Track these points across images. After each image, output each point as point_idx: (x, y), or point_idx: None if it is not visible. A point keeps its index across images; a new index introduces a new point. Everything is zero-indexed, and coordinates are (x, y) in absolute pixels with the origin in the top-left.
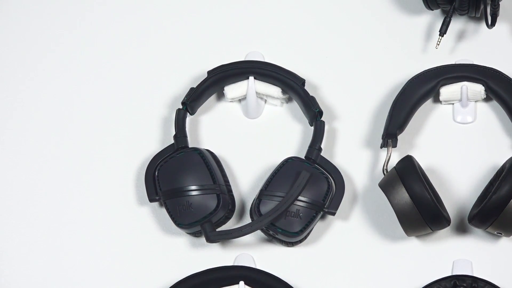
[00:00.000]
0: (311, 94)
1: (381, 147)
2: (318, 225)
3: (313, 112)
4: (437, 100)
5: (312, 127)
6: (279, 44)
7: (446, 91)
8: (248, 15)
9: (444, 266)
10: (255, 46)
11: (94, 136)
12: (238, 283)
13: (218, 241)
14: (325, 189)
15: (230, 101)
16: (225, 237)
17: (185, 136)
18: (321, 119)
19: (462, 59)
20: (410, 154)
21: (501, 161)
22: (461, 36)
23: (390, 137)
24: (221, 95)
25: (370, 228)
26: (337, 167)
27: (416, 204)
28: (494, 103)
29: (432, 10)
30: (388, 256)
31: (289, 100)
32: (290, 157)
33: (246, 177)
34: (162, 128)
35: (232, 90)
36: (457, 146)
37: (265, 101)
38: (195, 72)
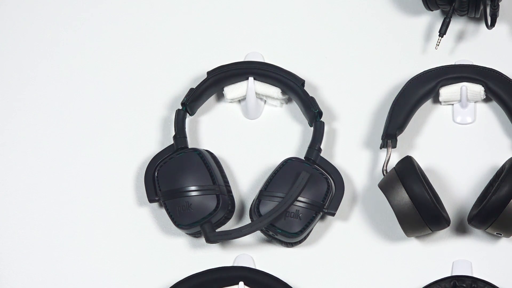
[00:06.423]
0: (310, 94)
1: (380, 148)
2: (318, 226)
3: (312, 112)
4: (436, 100)
5: (312, 128)
6: (279, 45)
7: (446, 92)
8: (248, 15)
9: (443, 267)
10: (255, 47)
11: (93, 136)
12: (237, 283)
13: (217, 242)
14: (325, 189)
15: (230, 102)
16: (225, 238)
17: (185, 137)
18: (321, 119)
19: (462, 60)
20: (409, 154)
21: (500, 161)
22: (460, 36)
23: (389, 137)
24: (220, 96)
25: (369, 229)
26: (336, 167)
27: (416, 205)
28: (494, 103)
29: (432, 10)
30: (388, 257)
31: (288, 100)
32: (290, 158)
33: (246, 177)
34: (162, 128)
35: (232, 90)
36: (457, 147)
37: (265, 101)
38: (195, 73)
